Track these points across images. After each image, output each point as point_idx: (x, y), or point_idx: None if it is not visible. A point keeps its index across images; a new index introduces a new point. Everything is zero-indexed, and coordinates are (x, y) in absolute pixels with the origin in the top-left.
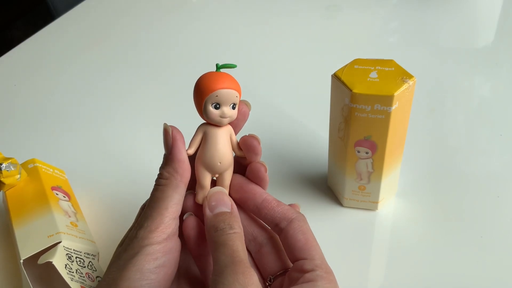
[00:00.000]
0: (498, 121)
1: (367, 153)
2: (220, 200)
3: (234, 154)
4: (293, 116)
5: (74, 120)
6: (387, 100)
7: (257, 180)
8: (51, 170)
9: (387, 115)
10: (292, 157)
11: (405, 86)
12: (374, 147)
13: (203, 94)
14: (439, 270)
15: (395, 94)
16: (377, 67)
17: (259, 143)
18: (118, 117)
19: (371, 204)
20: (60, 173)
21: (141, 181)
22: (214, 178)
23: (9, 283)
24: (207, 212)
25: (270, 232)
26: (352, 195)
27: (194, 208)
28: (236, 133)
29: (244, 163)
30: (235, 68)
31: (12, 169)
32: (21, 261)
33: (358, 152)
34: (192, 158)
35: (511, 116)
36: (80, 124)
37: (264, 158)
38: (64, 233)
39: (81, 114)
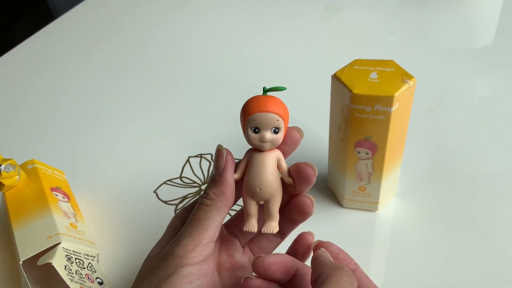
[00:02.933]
0: (498, 121)
1: (367, 154)
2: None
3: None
4: (293, 117)
5: (73, 121)
6: (387, 100)
7: (301, 213)
8: (51, 171)
9: (387, 115)
10: (292, 157)
11: (405, 86)
12: (374, 148)
13: (243, 118)
14: (439, 271)
15: (395, 94)
16: (377, 68)
17: (315, 174)
18: (118, 118)
19: (371, 205)
20: (60, 174)
21: (141, 182)
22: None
23: (8, 285)
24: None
25: None
26: (352, 196)
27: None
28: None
29: (291, 191)
30: (282, 91)
31: (12, 170)
32: (21, 262)
33: (358, 152)
34: (239, 184)
35: (511, 117)
36: (80, 124)
37: None
38: (64, 234)
39: (81, 115)
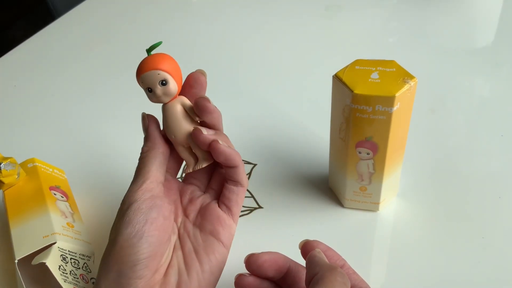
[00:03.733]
0: (499, 121)
1: (368, 154)
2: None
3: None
4: (294, 117)
5: (74, 120)
6: (389, 101)
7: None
8: (51, 169)
9: (389, 116)
10: (293, 158)
11: (406, 86)
12: (375, 148)
13: (138, 83)
14: (440, 271)
15: (397, 95)
16: (378, 68)
17: (209, 101)
18: (119, 117)
19: (372, 205)
20: (60, 173)
21: None
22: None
23: (6, 283)
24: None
25: None
26: (353, 196)
27: None
28: None
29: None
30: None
31: (11, 168)
32: (16, 261)
33: (359, 153)
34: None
35: (511, 117)
36: (81, 124)
37: (265, 159)
38: (60, 234)
39: (82, 114)
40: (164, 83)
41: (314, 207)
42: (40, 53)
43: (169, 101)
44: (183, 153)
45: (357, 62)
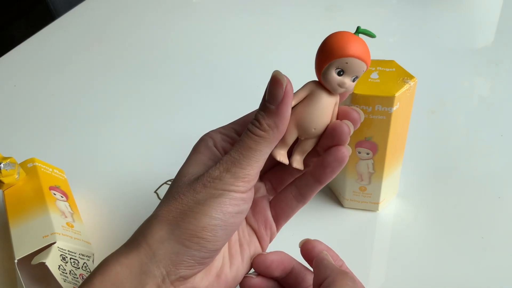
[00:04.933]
0: (499, 121)
1: (368, 154)
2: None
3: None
4: None
5: (74, 120)
6: (388, 101)
7: (339, 140)
8: (50, 169)
9: (388, 116)
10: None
11: (406, 86)
12: (375, 148)
13: (331, 55)
14: (440, 271)
15: (396, 95)
16: (378, 68)
17: (360, 118)
18: (118, 117)
19: (372, 205)
20: (60, 173)
21: (142, 182)
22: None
23: (6, 283)
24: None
25: None
26: (353, 196)
27: None
28: None
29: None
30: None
31: (11, 168)
32: (16, 261)
33: (359, 153)
34: None
35: (511, 116)
36: (81, 123)
37: None
38: (59, 234)
39: (81, 114)
40: (355, 79)
41: (314, 207)
42: (40, 53)
43: (333, 94)
44: (291, 139)
45: None
